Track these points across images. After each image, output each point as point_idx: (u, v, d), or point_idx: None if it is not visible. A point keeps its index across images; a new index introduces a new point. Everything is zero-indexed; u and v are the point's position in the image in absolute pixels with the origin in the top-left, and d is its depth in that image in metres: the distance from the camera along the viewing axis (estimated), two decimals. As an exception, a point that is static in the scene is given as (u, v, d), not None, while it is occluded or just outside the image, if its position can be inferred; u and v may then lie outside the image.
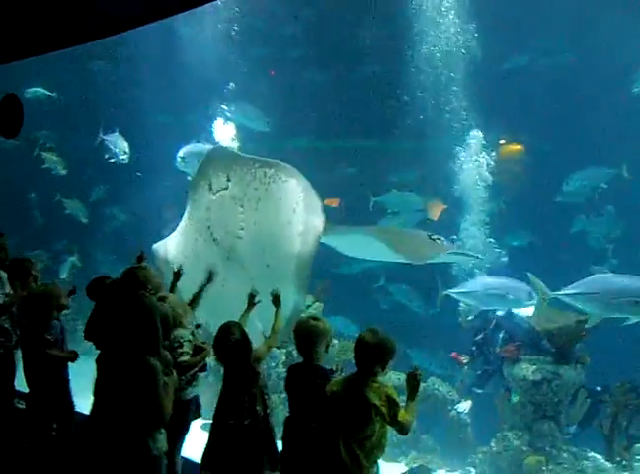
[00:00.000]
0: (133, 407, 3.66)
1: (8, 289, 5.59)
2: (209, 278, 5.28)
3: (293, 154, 12.48)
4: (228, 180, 6.43)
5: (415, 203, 12.58)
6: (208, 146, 10.53)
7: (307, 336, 4.03)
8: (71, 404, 5.04)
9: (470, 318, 9.42)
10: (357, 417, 3.62)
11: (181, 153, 11.14)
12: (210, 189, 6.49)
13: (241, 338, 4.07)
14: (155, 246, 7.29)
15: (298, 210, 6.50)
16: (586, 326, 8.17)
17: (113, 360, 3.81)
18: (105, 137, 12.87)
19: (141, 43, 13.26)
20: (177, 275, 5.31)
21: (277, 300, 4.67)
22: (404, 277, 12.62)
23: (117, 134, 12.85)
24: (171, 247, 7.14)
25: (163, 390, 3.68)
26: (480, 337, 9.10)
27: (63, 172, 14.05)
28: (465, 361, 9.23)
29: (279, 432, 4.12)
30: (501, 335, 9.00)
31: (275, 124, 13.31)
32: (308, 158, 12.84)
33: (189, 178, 10.67)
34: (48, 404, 4.89)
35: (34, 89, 13.33)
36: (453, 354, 9.47)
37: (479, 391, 9.05)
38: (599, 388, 8.68)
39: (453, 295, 9.23)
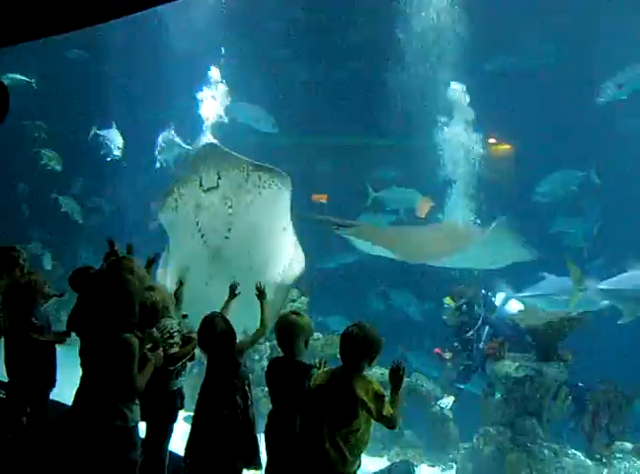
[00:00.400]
0: (107, 379, 3.76)
1: None
2: (181, 283, 5.34)
3: (276, 150, 12.53)
4: (219, 178, 6.37)
5: (414, 200, 12.50)
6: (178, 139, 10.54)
7: (287, 330, 4.06)
8: (47, 393, 5.08)
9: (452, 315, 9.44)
10: (343, 411, 3.63)
11: (160, 139, 11.03)
12: (201, 185, 6.42)
13: (225, 328, 4.13)
14: None
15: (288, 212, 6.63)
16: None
17: (91, 340, 3.88)
18: (100, 132, 12.72)
19: (126, 33, 13.24)
20: (180, 283, 5.39)
21: (261, 294, 4.67)
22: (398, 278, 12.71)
23: (113, 129, 12.70)
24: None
25: (137, 364, 3.78)
26: (470, 334, 9.13)
27: (58, 168, 13.92)
28: (448, 357, 9.27)
29: (263, 424, 4.12)
30: (486, 331, 9.06)
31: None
32: (291, 154, 12.95)
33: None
34: (24, 392, 4.91)
35: (11, 75, 13.13)
36: (436, 349, 9.51)
37: (461, 387, 9.09)
38: (581, 384, 8.78)
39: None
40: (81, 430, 3.83)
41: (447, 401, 9.22)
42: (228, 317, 4.33)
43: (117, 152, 12.59)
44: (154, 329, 4.35)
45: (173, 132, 11.19)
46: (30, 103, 13.40)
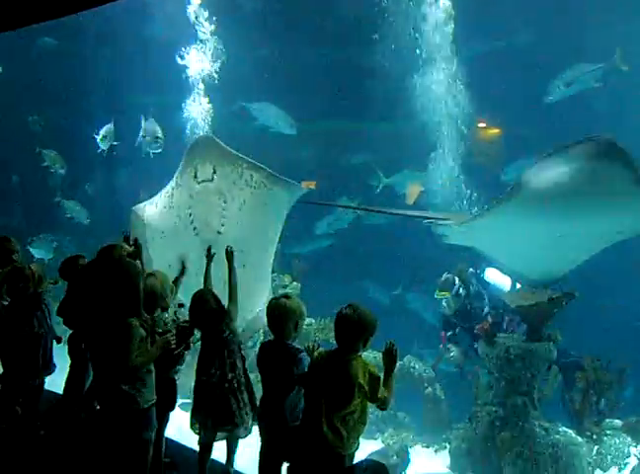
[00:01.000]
0: (108, 362, 3.85)
1: None
2: (182, 272, 5.41)
3: (261, 135, 12.53)
4: (214, 172, 6.33)
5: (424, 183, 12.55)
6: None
7: (278, 314, 4.09)
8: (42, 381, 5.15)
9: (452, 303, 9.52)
10: (340, 393, 3.64)
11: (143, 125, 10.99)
12: (195, 177, 6.38)
13: (215, 305, 4.32)
14: (135, 208, 7.11)
15: (282, 214, 6.67)
16: None
17: (94, 324, 3.90)
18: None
19: (111, 20, 13.17)
20: (182, 271, 5.55)
21: (229, 256, 4.91)
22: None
23: (110, 126, 12.63)
24: (151, 215, 6.97)
25: (136, 346, 3.82)
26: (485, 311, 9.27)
27: (62, 172, 13.88)
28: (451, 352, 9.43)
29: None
30: (486, 308, 9.22)
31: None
32: (278, 140, 12.95)
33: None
34: (17, 382, 4.98)
35: None
36: (442, 333, 9.63)
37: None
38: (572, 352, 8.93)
39: None
40: (91, 414, 4.09)
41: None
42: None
43: (107, 145, 12.48)
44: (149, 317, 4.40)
45: (153, 120, 11.08)
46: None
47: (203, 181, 6.34)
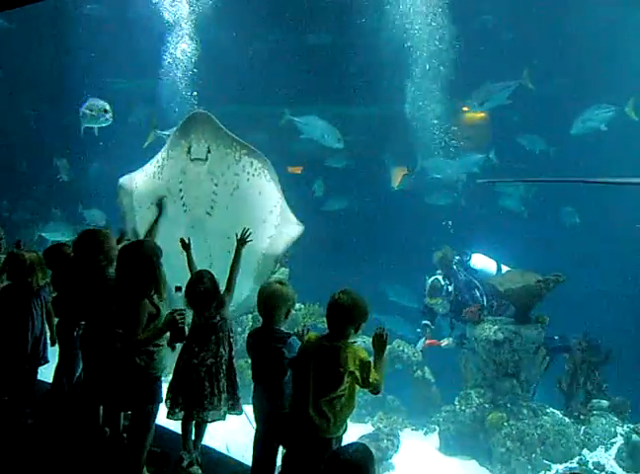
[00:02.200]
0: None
1: None
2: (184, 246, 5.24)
3: (239, 119, 12.37)
4: (209, 152, 6.10)
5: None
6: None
7: (270, 298, 4.08)
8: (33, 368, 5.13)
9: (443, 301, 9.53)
10: (328, 378, 3.64)
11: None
12: (189, 152, 6.12)
13: (210, 286, 4.30)
14: (122, 180, 6.97)
15: (275, 213, 6.51)
16: None
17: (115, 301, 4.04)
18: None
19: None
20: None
21: (240, 244, 4.82)
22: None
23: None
24: (140, 185, 6.80)
25: (144, 323, 3.97)
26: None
27: (66, 178, 13.87)
28: (444, 344, 9.45)
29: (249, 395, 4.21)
30: (477, 293, 9.25)
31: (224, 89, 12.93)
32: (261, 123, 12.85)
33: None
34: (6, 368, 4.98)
35: None
36: (428, 341, 9.64)
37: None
38: (556, 337, 8.99)
39: None
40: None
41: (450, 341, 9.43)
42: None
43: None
44: None
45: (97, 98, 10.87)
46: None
47: (197, 159, 6.11)
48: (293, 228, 6.68)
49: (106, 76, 14.28)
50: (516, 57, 12.41)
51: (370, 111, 14.21)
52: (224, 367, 4.30)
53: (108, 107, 10.32)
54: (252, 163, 6.27)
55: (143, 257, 4.05)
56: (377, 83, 12.94)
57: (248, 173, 6.27)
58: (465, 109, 14.18)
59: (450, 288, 9.34)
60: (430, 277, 9.55)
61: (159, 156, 6.54)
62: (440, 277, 9.42)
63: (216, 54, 12.48)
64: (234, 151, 6.20)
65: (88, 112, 10.30)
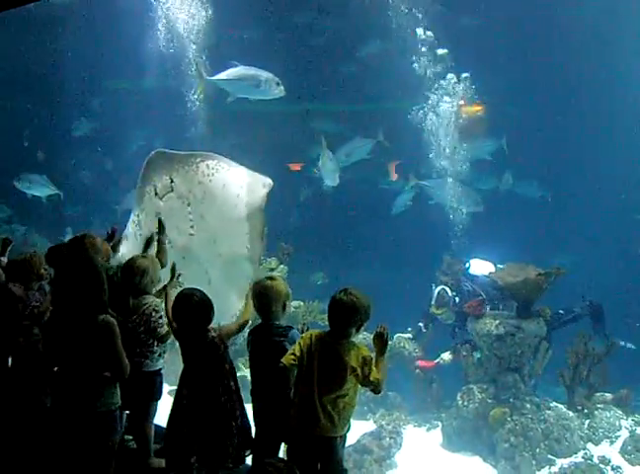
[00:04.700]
0: (89, 363, 3.68)
1: None
2: (172, 276, 5.06)
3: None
4: (172, 181, 6.47)
5: None
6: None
7: (263, 295, 4.01)
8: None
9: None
10: (331, 377, 3.62)
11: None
12: (156, 194, 6.52)
13: (203, 298, 3.93)
14: (112, 261, 7.13)
15: (242, 193, 6.62)
16: None
17: (63, 321, 3.76)
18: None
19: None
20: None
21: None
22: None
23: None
24: (126, 253, 6.94)
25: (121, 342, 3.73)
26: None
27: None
28: (446, 359, 9.40)
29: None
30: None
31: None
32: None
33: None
34: None
35: None
36: (420, 363, 9.62)
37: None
38: (561, 311, 9.00)
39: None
40: (64, 416, 3.77)
41: (446, 357, 9.36)
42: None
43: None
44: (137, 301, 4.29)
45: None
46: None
47: (165, 193, 6.49)
48: (259, 190, 6.70)
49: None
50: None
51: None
52: (236, 405, 3.96)
53: None
54: (207, 165, 6.51)
55: (90, 267, 3.84)
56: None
57: (208, 175, 6.50)
58: (461, 103, 14.14)
59: (457, 299, 9.29)
60: (436, 287, 9.50)
61: (133, 216, 6.78)
62: (447, 288, 9.37)
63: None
64: (191, 165, 6.48)
65: None
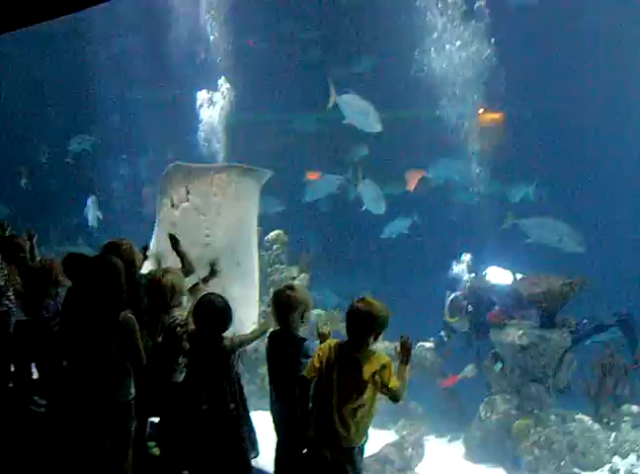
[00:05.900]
0: (114, 357, 3.93)
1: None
2: (212, 272, 5.11)
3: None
4: (188, 193, 6.76)
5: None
6: None
7: (282, 304, 4.06)
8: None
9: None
10: (350, 387, 3.62)
11: None
12: (172, 205, 6.81)
13: (224, 305, 4.04)
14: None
15: (255, 201, 6.98)
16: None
17: (84, 319, 3.98)
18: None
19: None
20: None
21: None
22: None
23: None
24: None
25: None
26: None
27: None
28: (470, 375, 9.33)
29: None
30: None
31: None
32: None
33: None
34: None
35: None
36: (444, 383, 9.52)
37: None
38: (585, 320, 8.79)
39: None
40: (84, 407, 3.99)
41: (470, 371, 9.25)
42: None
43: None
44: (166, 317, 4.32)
45: None
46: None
47: (180, 203, 6.79)
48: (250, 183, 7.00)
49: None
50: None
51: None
52: (244, 411, 4.09)
53: None
54: (221, 178, 6.81)
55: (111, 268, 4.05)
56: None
57: (222, 187, 6.82)
58: (481, 110, 14.06)
59: (470, 308, 9.15)
60: (450, 294, 9.39)
61: (153, 234, 6.95)
62: (460, 295, 9.26)
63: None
64: (207, 177, 6.79)
65: None
